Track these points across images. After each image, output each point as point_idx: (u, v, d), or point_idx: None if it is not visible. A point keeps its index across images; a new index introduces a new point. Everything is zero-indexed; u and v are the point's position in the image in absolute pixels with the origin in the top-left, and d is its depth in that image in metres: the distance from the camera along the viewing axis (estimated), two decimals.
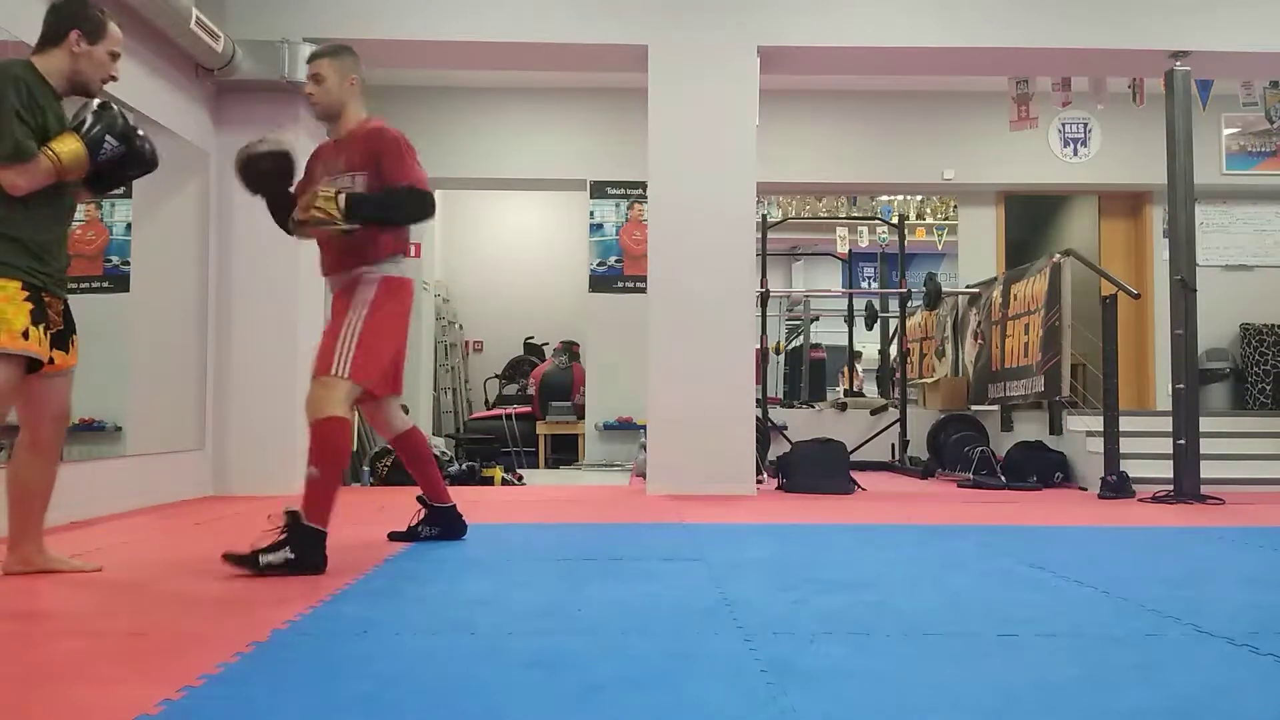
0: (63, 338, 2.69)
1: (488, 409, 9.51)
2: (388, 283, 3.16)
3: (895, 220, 8.60)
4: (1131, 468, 5.64)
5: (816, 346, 10.61)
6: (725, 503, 5.02)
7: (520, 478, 6.67)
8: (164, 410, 5.18)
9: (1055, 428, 6.57)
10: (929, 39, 5.60)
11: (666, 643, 2.09)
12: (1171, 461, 5.39)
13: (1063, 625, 2.31)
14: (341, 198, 3.01)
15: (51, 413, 2.74)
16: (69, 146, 2.54)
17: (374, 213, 3.07)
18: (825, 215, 10.16)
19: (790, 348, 11.26)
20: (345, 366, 3.00)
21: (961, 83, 7.61)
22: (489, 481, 6.34)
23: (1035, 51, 5.68)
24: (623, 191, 8.21)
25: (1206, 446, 5.46)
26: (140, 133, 2.72)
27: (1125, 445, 5.69)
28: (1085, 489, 6.05)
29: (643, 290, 5.50)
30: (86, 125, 2.56)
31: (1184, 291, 5.43)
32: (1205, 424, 5.55)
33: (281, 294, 5.51)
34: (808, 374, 10.30)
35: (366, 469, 6.48)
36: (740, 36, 5.59)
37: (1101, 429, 5.71)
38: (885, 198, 9.96)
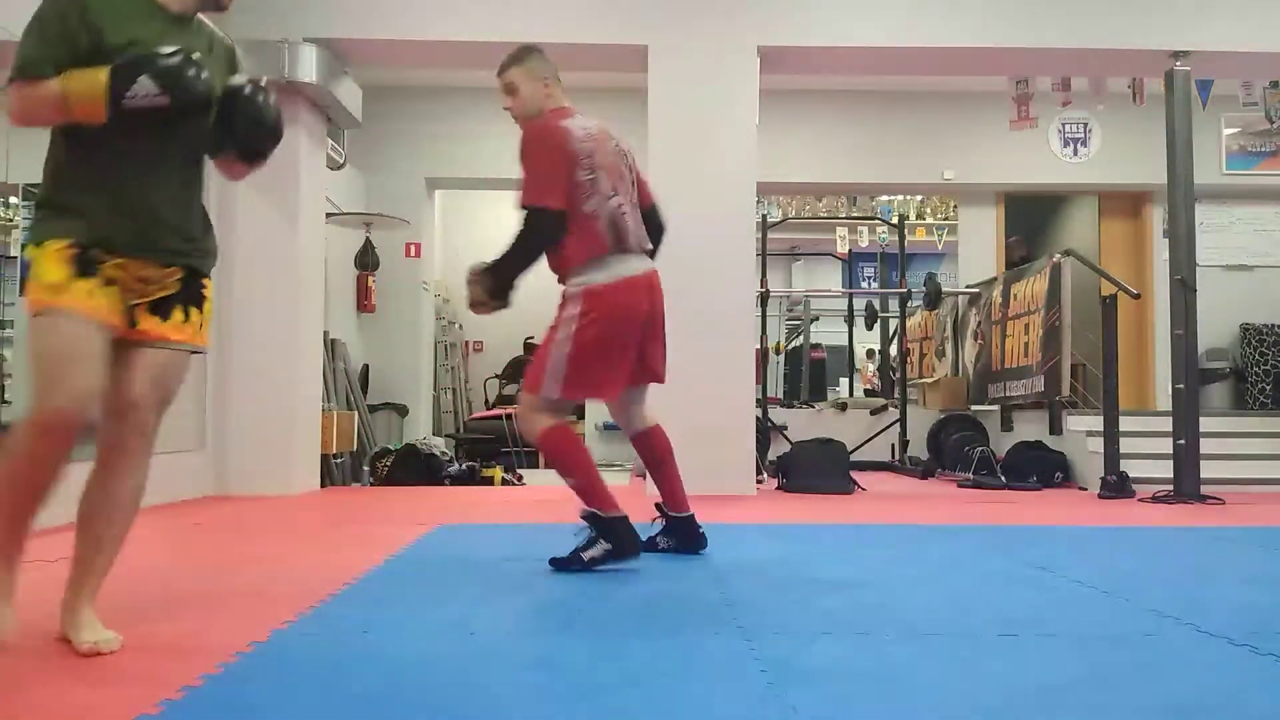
0: (165, 306, 2.10)
1: (488, 409, 9.51)
2: (589, 296, 3.04)
3: (895, 220, 8.60)
4: (1131, 468, 5.64)
5: (816, 346, 10.63)
6: (725, 503, 5.01)
7: (520, 478, 6.67)
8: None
9: (1055, 428, 6.57)
10: (929, 39, 5.60)
11: (666, 643, 2.09)
12: (1171, 461, 5.39)
13: (1063, 625, 2.31)
14: (480, 294, 3.05)
15: (126, 394, 2.08)
16: (86, 75, 1.94)
17: (504, 279, 3.03)
18: (825, 215, 10.17)
19: (790, 348, 11.27)
20: (556, 387, 2.98)
21: (961, 83, 7.61)
22: (489, 481, 6.34)
23: (1035, 51, 5.68)
24: None
25: (1206, 446, 5.46)
26: (248, 89, 2.12)
27: (1125, 445, 5.69)
28: (1085, 489, 6.05)
29: None
30: (127, 58, 1.95)
31: (1184, 291, 5.42)
32: (1205, 424, 5.55)
33: (281, 293, 5.51)
34: (808, 374, 10.32)
35: (366, 469, 6.48)
36: (740, 36, 5.59)
37: (1101, 429, 5.71)
38: (885, 198, 9.97)
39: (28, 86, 1.94)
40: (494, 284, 3.03)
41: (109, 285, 2.01)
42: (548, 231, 2.99)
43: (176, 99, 1.95)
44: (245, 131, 2.13)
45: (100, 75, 1.92)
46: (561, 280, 3.13)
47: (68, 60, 1.95)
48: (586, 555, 2.89)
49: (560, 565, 2.91)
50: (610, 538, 2.91)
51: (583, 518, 2.95)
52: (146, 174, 2.07)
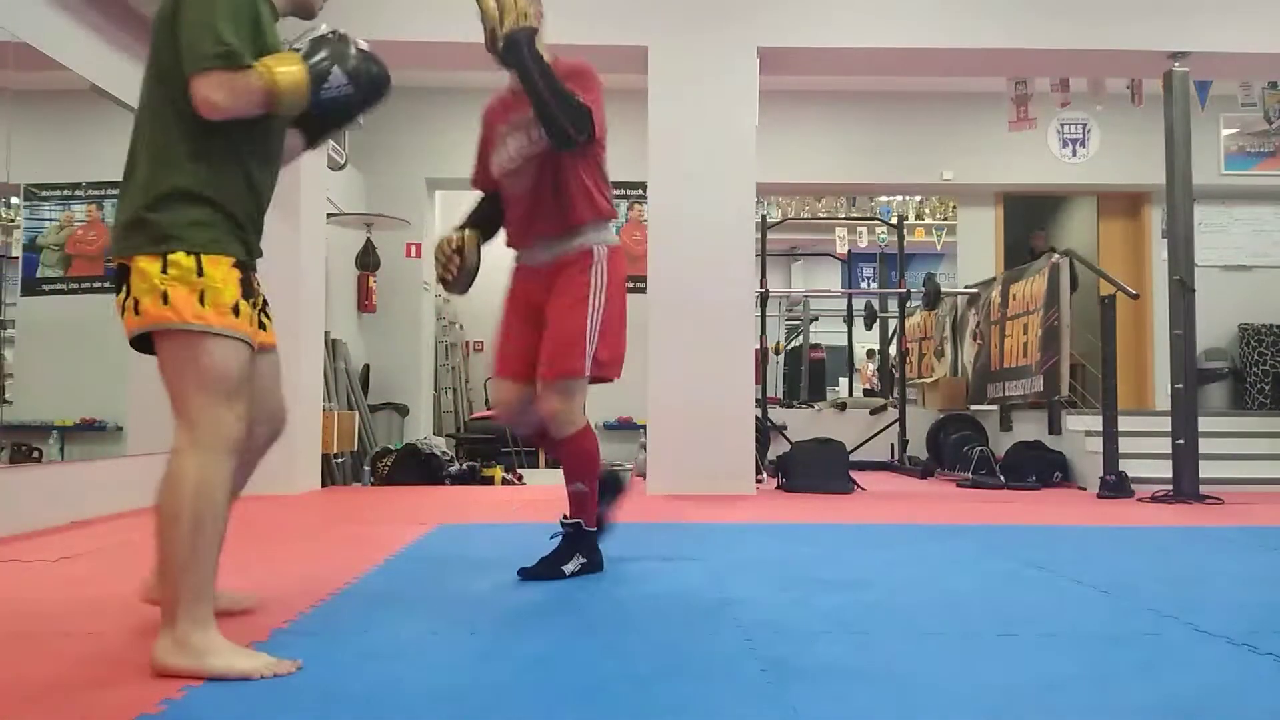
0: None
1: (488, 409, 9.51)
2: (616, 255, 2.84)
3: (894, 221, 8.60)
4: (1130, 467, 5.65)
5: (816, 346, 10.64)
6: (725, 502, 5.02)
7: (520, 477, 6.68)
8: (165, 410, 5.17)
9: (1054, 427, 6.57)
10: (928, 40, 5.60)
11: (666, 643, 2.10)
12: (1170, 461, 5.40)
13: (1063, 625, 2.31)
14: (521, 21, 2.75)
15: (271, 404, 2.23)
16: (290, 68, 1.87)
17: (532, 66, 2.75)
18: (824, 216, 10.18)
19: (790, 348, 11.28)
20: (590, 362, 2.74)
21: (961, 83, 7.61)
22: (489, 481, 6.35)
23: (1034, 52, 5.69)
24: (623, 192, 8.21)
25: (1205, 446, 5.47)
26: (366, 53, 2.09)
27: (1124, 445, 5.70)
28: (1084, 489, 6.05)
29: (642, 290, 5.52)
30: (313, 52, 1.93)
31: (1182, 291, 5.43)
32: (1204, 424, 5.56)
33: (282, 293, 5.46)
34: (807, 374, 10.33)
35: (367, 468, 6.48)
36: (740, 37, 5.59)
37: (1100, 429, 5.72)
38: (884, 198, 9.98)
39: (232, 76, 1.80)
40: (515, 49, 2.78)
41: (257, 309, 1.98)
42: (579, 133, 2.77)
43: (361, 89, 1.92)
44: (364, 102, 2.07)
45: (298, 68, 1.85)
46: (558, 232, 2.84)
47: (255, 48, 1.85)
48: (568, 570, 2.82)
49: (534, 577, 2.76)
50: (587, 552, 2.88)
51: (564, 524, 2.86)
52: (268, 180, 2.01)
